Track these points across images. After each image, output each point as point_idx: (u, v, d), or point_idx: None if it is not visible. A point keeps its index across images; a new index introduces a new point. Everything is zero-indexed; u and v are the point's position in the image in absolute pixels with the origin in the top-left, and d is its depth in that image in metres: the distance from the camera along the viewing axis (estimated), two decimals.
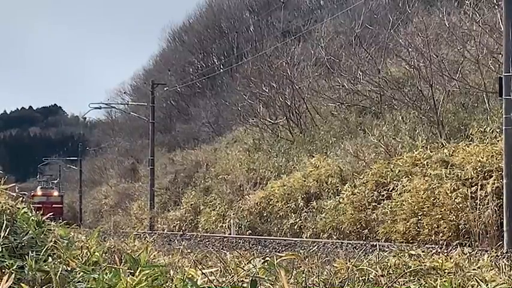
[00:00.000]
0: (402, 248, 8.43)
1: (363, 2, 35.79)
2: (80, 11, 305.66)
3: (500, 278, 5.71)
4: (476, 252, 9.43)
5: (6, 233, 5.44)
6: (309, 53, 36.93)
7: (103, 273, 4.77)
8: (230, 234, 28.02)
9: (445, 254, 7.54)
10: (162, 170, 44.29)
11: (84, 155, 74.52)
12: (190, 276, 4.67)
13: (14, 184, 7.48)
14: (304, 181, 25.19)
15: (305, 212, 24.18)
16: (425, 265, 6.03)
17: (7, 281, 4.12)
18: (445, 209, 17.29)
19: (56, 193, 69.20)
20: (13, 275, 4.34)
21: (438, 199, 17.65)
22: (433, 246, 16.08)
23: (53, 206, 59.89)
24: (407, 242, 17.19)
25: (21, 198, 7.09)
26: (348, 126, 28.66)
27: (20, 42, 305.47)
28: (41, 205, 62.29)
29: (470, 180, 17.34)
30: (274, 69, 35.63)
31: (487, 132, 19.26)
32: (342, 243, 18.94)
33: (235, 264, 5.57)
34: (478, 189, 16.91)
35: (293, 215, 24.74)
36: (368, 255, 7.16)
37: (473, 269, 6.11)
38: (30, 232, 5.77)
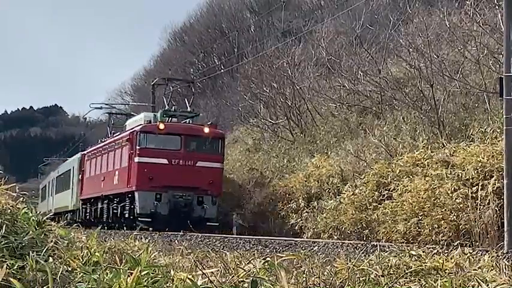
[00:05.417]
0: (403, 248, 8.42)
1: (363, 2, 35.76)
2: (80, 11, 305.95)
3: (501, 278, 5.71)
4: (477, 253, 9.42)
5: (5, 232, 5.43)
6: (310, 53, 36.89)
7: (103, 274, 4.77)
8: (231, 234, 28.01)
9: (446, 254, 7.53)
10: None
11: None
12: (190, 276, 4.67)
13: (14, 184, 7.48)
14: (305, 181, 25.17)
15: (306, 212, 24.15)
16: (426, 265, 6.04)
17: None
18: (445, 209, 17.25)
19: (206, 129, 27.03)
20: (4, 266, 4.33)
21: (439, 199, 17.61)
22: (433, 246, 16.06)
23: (203, 166, 26.17)
24: (408, 242, 17.15)
25: (21, 198, 7.11)
26: (349, 126, 28.64)
27: (21, 42, 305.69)
28: (166, 161, 24.74)
29: (471, 180, 17.31)
30: (275, 70, 35.58)
31: (487, 132, 19.22)
32: (343, 243, 18.86)
33: (235, 264, 5.57)
34: (479, 189, 16.87)
35: (294, 215, 24.71)
36: (369, 256, 7.16)
37: (474, 269, 6.12)
38: (30, 232, 5.77)
